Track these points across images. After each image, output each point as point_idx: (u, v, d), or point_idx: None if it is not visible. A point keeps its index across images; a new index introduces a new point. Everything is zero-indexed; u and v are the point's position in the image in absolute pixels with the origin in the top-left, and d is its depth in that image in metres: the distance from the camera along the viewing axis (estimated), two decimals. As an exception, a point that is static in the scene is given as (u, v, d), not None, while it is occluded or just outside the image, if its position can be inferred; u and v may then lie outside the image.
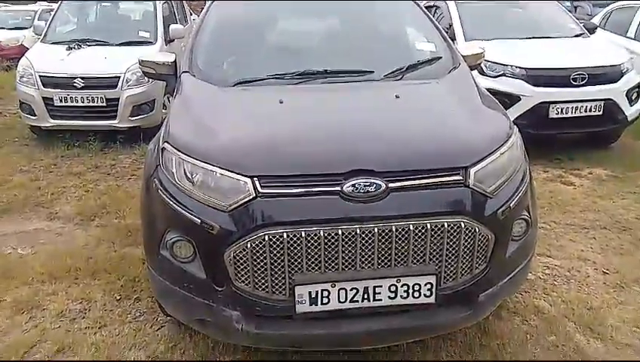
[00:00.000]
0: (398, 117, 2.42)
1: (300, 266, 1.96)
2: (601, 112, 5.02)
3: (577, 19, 6.47)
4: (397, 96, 2.51)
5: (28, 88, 5.68)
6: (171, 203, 2.10)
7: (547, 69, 5.03)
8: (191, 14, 9.03)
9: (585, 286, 3.08)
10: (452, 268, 2.05)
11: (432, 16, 3.46)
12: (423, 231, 1.97)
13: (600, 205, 4.18)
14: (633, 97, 5.19)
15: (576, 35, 5.84)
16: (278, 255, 1.94)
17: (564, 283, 3.12)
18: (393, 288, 2.00)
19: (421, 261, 2.01)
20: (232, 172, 2.01)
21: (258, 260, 1.96)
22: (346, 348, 2.37)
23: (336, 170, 1.99)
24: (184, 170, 2.12)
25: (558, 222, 3.90)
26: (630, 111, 5.17)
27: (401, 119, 2.40)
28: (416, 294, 2.02)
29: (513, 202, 2.14)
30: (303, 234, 1.92)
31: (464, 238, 2.01)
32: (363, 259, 1.97)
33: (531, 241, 2.39)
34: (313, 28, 3.37)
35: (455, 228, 1.99)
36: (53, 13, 6.77)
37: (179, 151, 2.16)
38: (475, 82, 2.83)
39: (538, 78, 4.96)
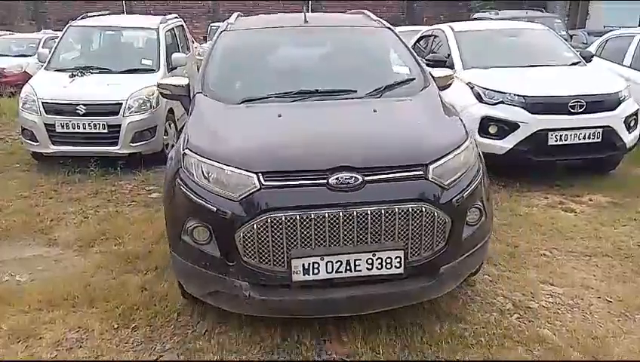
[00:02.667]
0: (374, 126, 2.92)
1: (295, 243, 2.42)
2: (599, 139, 5.04)
3: (573, 47, 6.57)
4: (375, 110, 3.03)
5: (30, 115, 5.71)
6: (192, 196, 2.56)
7: (545, 96, 5.07)
8: (193, 42, 9.15)
9: (589, 314, 3.05)
10: (417, 245, 2.50)
11: (407, 43, 3.94)
12: (392, 214, 2.43)
13: (601, 232, 4.16)
14: (631, 124, 5.23)
15: (574, 63, 5.91)
16: (278, 234, 2.41)
17: (567, 311, 3.08)
18: (370, 261, 2.46)
19: (391, 239, 2.46)
20: (241, 169, 2.50)
21: (262, 239, 2.41)
22: (333, 314, 2.76)
23: (323, 166, 2.48)
24: (202, 170, 2.59)
25: (560, 249, 3.88)
26: (628, 139, 5.20)
27: (377, 127, 2.89)
28: (389, 266, 2.48)
29: (466, 193, 2.61)
30: (298, 217, 2.39)
31: (425, 220, 2.47)
32: (345, 237, 2.43)
33: (486, 228, 2.83)
34: (307, 54, 3.95)
35: (418, 212, 2.46)
36: (58, 40, 6.84)
37: (197, 155, 2.64)
38: (440, 99, 3.31)
39: (536, 105, 4.99)
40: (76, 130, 5.63)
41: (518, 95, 5.05)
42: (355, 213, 2.40)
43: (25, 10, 23.00)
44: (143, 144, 5.79)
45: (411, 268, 2.51)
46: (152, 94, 5.83)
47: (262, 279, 2.48)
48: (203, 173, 2.58)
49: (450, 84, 3.77)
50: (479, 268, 3.14)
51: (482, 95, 5.20)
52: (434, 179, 2.53)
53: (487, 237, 2.89)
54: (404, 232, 2.46)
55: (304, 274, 2.44)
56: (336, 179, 2.44)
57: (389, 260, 2.47)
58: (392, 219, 2.43)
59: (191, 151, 2.69)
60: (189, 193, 2.58)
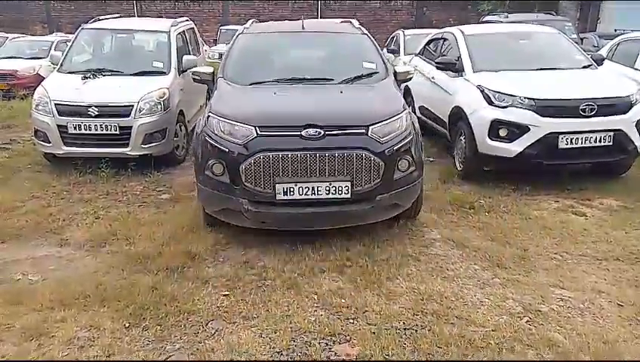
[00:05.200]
0: (337, 101, 4.13)
1: (278, 173, 3.59)
2: (610, 143, 4.99)
3: (584, 50, 6.52)
4: (341, 92, 4.28)
5: (43, 116, 5.77)
6: (213, 143, 3.79)
7: (556, 99, 5.03)
8: (203, 45, 9.20)
9: (600, 318, 3.03)
10: (359, 179, 3.63)
11: (377, 45, 5.05)
12: (343, 156, 3.59)
13: (612, 236, 4.14)
14: (643, 128, 5.17)
15: (585, 67, 5.87)
16: (267, 166, 3.58)
17: (578, 315, 3.06)
18: (327, 188, 3.62)
19: (342, 173, 3.61)
20: (244, 124, 3.72)
21: (257, 170, 3.60)
22: (305, 227, 3.85)
23: (298, 123, 3.66)
24: (220, 126, 3.82)
25: (571, 252, 3.86)
26: (640, 142, 5.14)
27: (339, 101, 4.12)
28: (340, 192, 3.63)
29: (396, 147, 3.74)
30: (280, 156, 3.57)
31: (365, 162, 3.62)
32: (311, 171, 3.59)
33: (415, 175, 3.92)
34: (301, 52, 5.13)
35: (360, 156, 3.60)
36: (70, 43, 6.90)
37: (218, 116, 3.89)
38: (394, 86, 4.53)
39: (547, 108, 4.95)
40: (88, 132, 5.67)
41: (528, 98, 5.01)
42: (317, 155, 3.56)
43: (37, 13, 23.27)
44: (154, 146, 5.83)
45: (356, 195, 3.65)
46: (163, 96, 5.88)
47: (256, 197, 3.66)
48: (220, 128, 3.80)
49: (410, 78, 4.94)
50: (415, 209, 4.25)
51: (492, 98, 5.17)
52: (372, 135, 3.68)
53: (417, 182, 3.97)
54: (351, 169, 3.60)
55: (284, 195, 3.61)
56: (306, 132, 3.61)
57: (340, 188, 3.61)
58: (343, 159, 3.58)
59: (213, 114, 3.93)
60: (211, 141, 3.80)
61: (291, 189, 3.58)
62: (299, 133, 3.60)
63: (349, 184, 3.59)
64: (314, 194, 3.60)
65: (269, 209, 3.69)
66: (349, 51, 5.03)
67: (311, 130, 3.60)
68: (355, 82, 4.46)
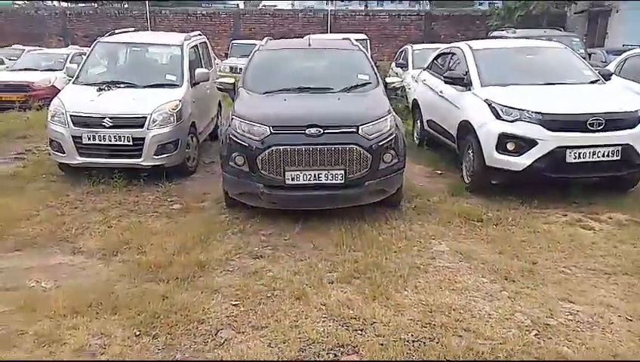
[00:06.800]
0: (335, 106, 4.93)
1: (287, 163, 4.42)
2: (618, 157, 4.99)
3: (592, 65, 6.54)
4: (339, 99, 5.09)
5: (58, 127, 5.88)
6: (236, 140, 4.62)
7: (563, 114, 5.05)
8: (215, 59, 9.33)
9: (609, 332, 3.02)
10: (351, 168, 4.45)
11: (371, 60, 5.97)
12: (338, 150, 4.41)
13: (621, 250, 4.13)
14: (651, 143, 5.16)
15: (592, 82, 5.89)
16: (279, 158, 4.42)
17: (587, 329, 3.06)
18: (326, 175, 4.44)
19: (337, 163, 4.43)
20: (261, 124, 4.54)
21: (271, 160, 4.44)
22: (309, 207, 4.69)
23: (303, 124, 4.47)
24: (242, 126, 4.64)
25: (579, 266, 3.86)
26: (649, 157, 5.12)
27: (336, 107, 4.91)
28: (336, 178, 4.45)
29: (381, 142, 4.56)
30: (289, 149, 4.40)
31: (356, 155, 4.44)
32: (313, 161, 4.41)
33: (397, 166, 4.72)
34: (307, 66, 5.97)
35: (352, 150, 4.43)
36: (86, 56, 7.03)
37: (240, 118, 4.72)
38: (383, 93, 5.34)
39: (554, 123, 4.96)
40: (102, 142, 5.76)
41: (535, 112, 5.03)
42: (318, 149, 4.38)
43: (53, 26, 23.72)
44: (166, 157, 5.91)
45: (349, 181, 4.46)
46: (176, 108, 5.98)
47: (270, 182, 4.48)
48: (242, 128, 4.62)
49: (399, 87, 6.11)
50: (398, 196, 5.00)
51: (500, 112, 5.21)
52: (362, 134, 4.49)
53: (399, 171, 4.77)
54: (344, 160, 4.42)
55: (292, 180, 4.44)
56: (309, 131, 4.42)
57: (336, 175, 4.43)
58: (338, 152, 4.41)
59: (236, 116, 4.78)
60: (234, 138, 4.64)
61: (297, 176, 4.42)
62: (303, 132, 4.42)
63: (343, 172, 4.42)
64: (315, 179, 4.43)
65: (279, 192, 4.52)
66: (347, 65, 5.89)
67: (313, 130, 4.40)
68: (350, 91, 5.30)
